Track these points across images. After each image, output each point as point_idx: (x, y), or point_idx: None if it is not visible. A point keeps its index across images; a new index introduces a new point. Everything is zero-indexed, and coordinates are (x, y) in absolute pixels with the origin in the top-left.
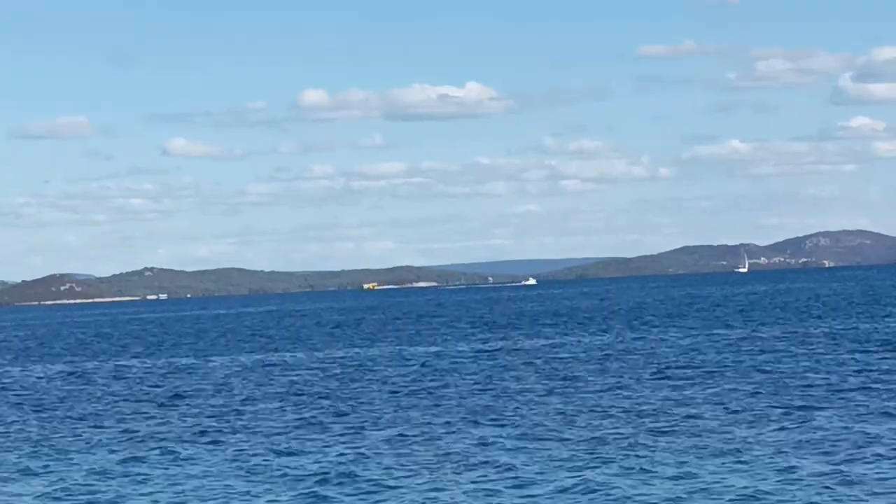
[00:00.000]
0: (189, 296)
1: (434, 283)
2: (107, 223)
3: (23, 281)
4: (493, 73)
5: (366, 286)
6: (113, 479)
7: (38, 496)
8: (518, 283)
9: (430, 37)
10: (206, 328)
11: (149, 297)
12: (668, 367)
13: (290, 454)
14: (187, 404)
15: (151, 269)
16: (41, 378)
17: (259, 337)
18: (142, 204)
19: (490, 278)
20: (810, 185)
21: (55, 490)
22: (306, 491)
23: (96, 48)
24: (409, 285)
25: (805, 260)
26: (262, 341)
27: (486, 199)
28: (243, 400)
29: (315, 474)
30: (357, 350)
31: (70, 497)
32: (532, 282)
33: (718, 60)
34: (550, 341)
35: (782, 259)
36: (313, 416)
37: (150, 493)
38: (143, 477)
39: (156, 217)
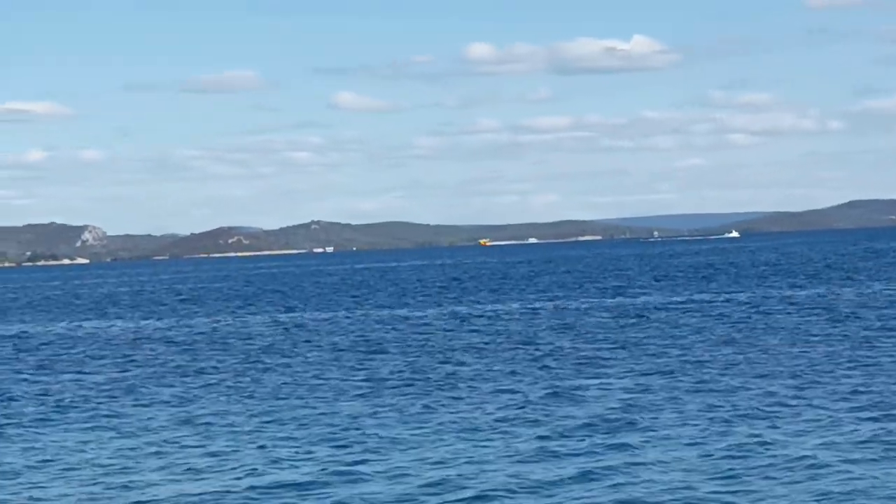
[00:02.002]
0: (355, 249)
1: (598, 237)
2: (273, 176)
3: (192, 233)
4: (659, 25)
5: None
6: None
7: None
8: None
9: None
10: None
11: (315, 251)
12: None
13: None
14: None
15: (318, 222)
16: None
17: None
18: (307, 157)
19: (655, 232)
20: None
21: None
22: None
23: (265, 1)
24: (574, 239)
25: None
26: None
27: (650, 153)
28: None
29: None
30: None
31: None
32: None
33: (889, 12)
34: None
35: None
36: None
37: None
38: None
39: (321, 170)
